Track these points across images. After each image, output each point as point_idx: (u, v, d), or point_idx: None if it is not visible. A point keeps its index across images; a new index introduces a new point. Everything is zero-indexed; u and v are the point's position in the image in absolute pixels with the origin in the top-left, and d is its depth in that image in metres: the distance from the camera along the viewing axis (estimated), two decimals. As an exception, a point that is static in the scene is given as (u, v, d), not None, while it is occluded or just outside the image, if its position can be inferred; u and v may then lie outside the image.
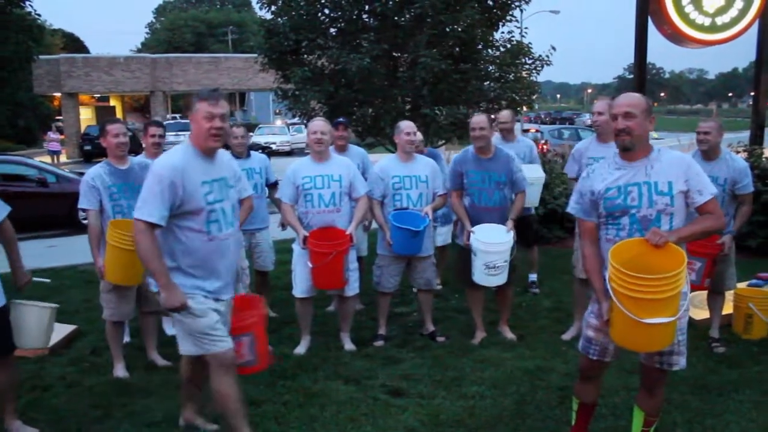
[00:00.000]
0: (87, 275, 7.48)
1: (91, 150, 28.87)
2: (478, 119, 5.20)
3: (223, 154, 3.63)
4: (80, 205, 4.73)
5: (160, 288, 3.32)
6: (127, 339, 5.44)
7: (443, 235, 6.82)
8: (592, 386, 3.52)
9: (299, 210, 5.13)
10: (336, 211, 5.05)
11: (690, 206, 3.16)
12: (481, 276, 5.10)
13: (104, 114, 42.24)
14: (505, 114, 6.73)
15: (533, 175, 6.12)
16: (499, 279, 5.10)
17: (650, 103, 3.24)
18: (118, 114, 45.95)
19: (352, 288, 5.20)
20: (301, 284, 5.17)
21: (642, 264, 2.98)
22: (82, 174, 5.11)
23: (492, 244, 5.00)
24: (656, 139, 34.30)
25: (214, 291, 3.48)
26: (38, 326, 4.49)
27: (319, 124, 5.12)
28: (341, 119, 6.28)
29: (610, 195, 3.19)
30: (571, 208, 3.47)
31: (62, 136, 32.02)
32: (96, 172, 4.73)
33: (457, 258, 5.54)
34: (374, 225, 5.84)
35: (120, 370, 4.83)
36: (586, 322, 3.40)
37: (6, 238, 3.98)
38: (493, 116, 6.10)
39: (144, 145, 5.60)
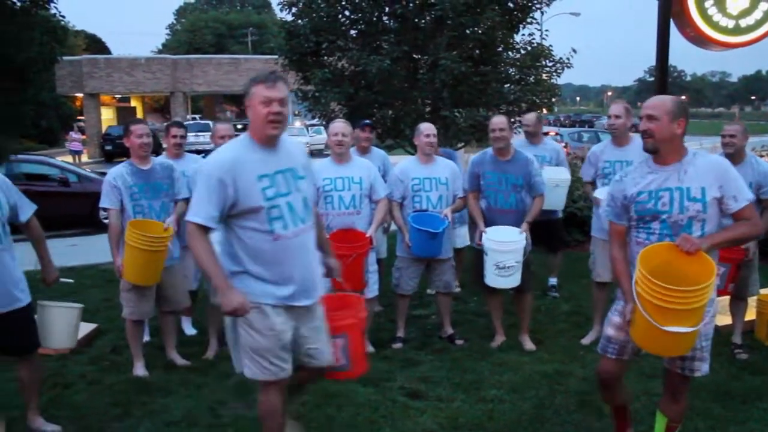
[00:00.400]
0: (107, 274, 7.54)
1: (112, 150, 29.17)
2: (498, 120, 5.18)
3: (291, 142, 3.30)
4: (101, 204, 4.78)
5: (217, 291, 3.02)
6: (146, 338, 5.48)
7: (460, 237, 6.80)
8: (615, 390, 3.48)
9: (319, 212, 5.13)
10: (356, 213, 5.04)
11: (724, 212, 3.11)
12: (492, 277, 5.07)
13: (125, 114, 42.65)
14: (530, 117, 6.70)
15: (558, 176, 6.07)
16: (511, 281, 5.06)
17: (680, 106, 3.17)
18: (139, 114, 46.34)
19: (372, 290, 5.20)
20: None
21: (670, 271, 2.94)
22: (103, 174, 5.17)
23: (503, 243, 4.97)
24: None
25: (286, 297, 3.11)
26: (66, 327, 4.56)
27: (340, 125, 5.12)
28: (367, 121, 6.29)
29: (642, 199, 3.17)
30: (603, 210, 3.46)
31: (84, 136, 32.37)
32: (118, 171, 4.77)
33: (473, 260, 5.53)
34: (393, 227, 5.83)
35: (140, 369, 4.86)
36: (608, 319, 3.38)
37: (34, 236, 4.03)
38: (518, 119, 6.06)
39: (165, 146, 5.64)
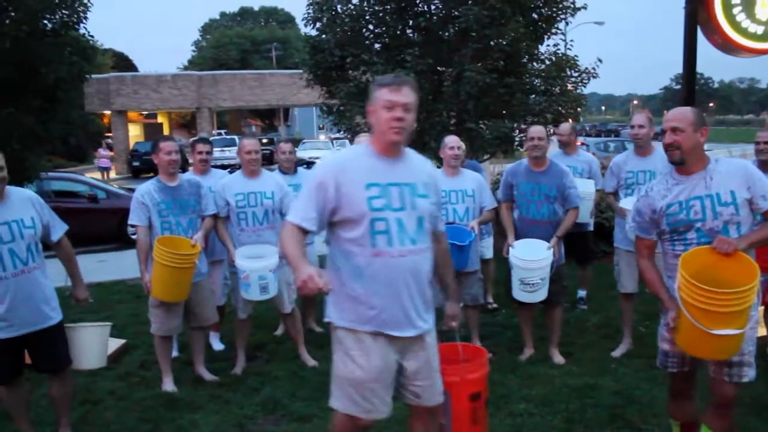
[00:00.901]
0: (136, 290, 7.60)
1: (139, 166, 29.56)
2: (537, 129, 5.16)
3: (420, 158, 3.06)
4: (130, 221, 4.82)
5: (292, 270, 2.80)
6: (175, 353, 5.50)
7: (486, 248, 6.75)
8: (686, 403, 3.45)
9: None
10: None
11: (755, 212, 3.12)
12: (517, 292, 5.03)
13: (152, 131, 43.19)
14: (565, 127, 6.66)
15: (583, 189, 6.02)
16: (537, 296, 5.00)
17: (700, 115, 3.21)
18: (166, 130, 46.90)
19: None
20: None
21: (711, 274, 2.94)
22: (131, 190, 5.22)
23: (528, 261, 4.92)
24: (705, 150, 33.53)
25: (384, 323, 2.82)
26: (97, 346, 4.61)
27: (366, 140, 5.11)
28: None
29: (672, 211, 3.17)
30: (629, 226, 3.47)
31: (112, 153, 32.80)
32: (146, 188, 4.81)
33: (505, 273, 5.49)
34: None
35: (168, 384, 4.88)
36: (660, 335, 3.37)
37: (65, 255, 4.09)
38: (552, 129, 6.01)
39: (191, 162, 5.69)
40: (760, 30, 8.20)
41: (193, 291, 4.83)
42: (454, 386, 3.23)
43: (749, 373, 3.17)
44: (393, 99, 2.78)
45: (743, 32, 8.21)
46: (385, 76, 2.98)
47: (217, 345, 5.92)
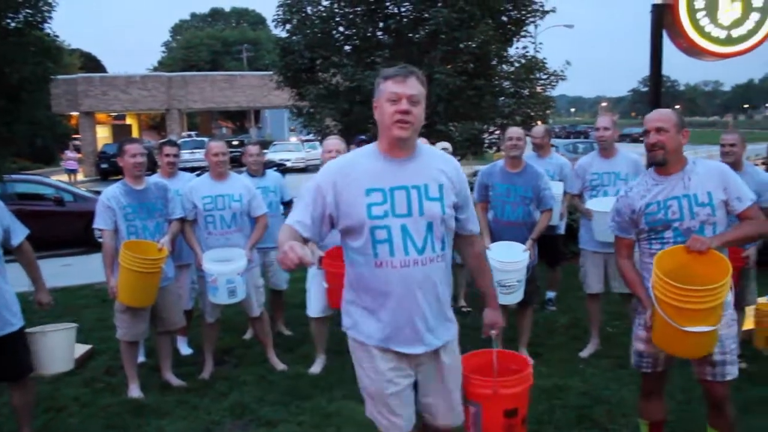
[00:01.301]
0: (102, 294, 7.48)
1: (107, 168, 29.16)
2: (515, 130, 5.18)
3: (436, 155, 2.79)
4: (95, 225, 4.74)
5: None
6: (141, 359, 5.42)
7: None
8: (656, 402, 3.48)
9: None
10: None
11: (730, 213, 3.18)
12: None
13: (121, 132, 42.69)
14: (538, 130, 6.68)
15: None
16: (512, 298, 5.03)
17: (682, 118, 3.28)
18: (135, 132, 46.37)
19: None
20: (315, 304, 5.13)
21: (685, 273, 2.98)
22: (98, 192, 5.14)
23: (506, 263, 4.94)
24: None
25: (388, 339, 2.66)
26: (63, 350, 4.52)
27: (335, 142, 5.09)
28: (362, 136, 6.29)
29: (651, 210, 3.22)
30: (609, 225, 3.49)
31: (79, 155, 32.36)
32: (112, 192, 4.74)
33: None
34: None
35: (134, 391, 4.80)
36: (634, 335, 3.40)
37: (26, 260, 4.01)
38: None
39: (159, 164, 5.62)
40: (722, 34, 8.35)
41: (160, 295, 4.77)
42: (485, 399, 3.00)
43: (732, 371, 3.21)
44: (398, 91, 2.55)
45: (707, 36, 8.35)
46: (390, 67, 2.73)
47: (185, 349, 5.85)
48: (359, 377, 2.78)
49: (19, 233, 3.93)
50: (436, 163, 2.70)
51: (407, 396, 2.73)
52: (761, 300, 5.47)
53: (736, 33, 8.36)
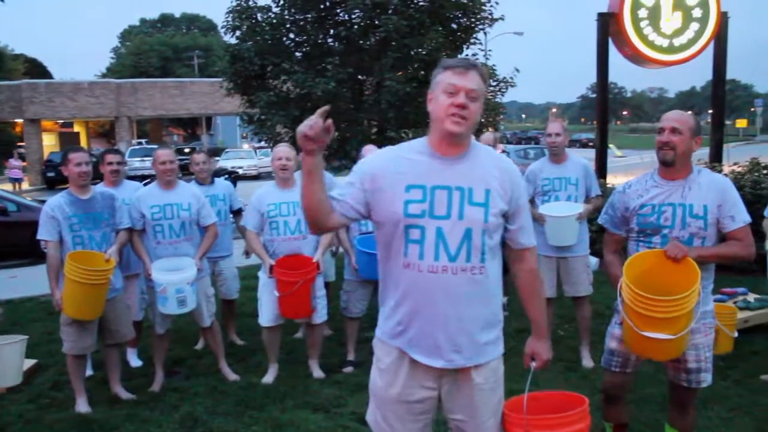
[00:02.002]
0: (48, 307, 7.31)
1: (54, 177, 28.47)
2: (487, 136, 5.19)
3: (491, 155, 2.52)
4: (39, 236, 4.63)
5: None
6: (89, 372, 5.30)
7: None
8: (620, 406, 3.50)
9: (264, 238, 5.07)
10: (302, 238, 5.00)
11: (721, 230, 3.15)
12: None
13: (68, 140, 41.73)
14: (487, 136, 6.74)
15: None
16: None
17: (699, 125, 3.24)
18: (83, 140, 45.40)
19: (320, 315, 5.15)
20: (267, 313, 5.10)
21: (655, 278, 2.98)
22: (44, 202, 5.03)
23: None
24: (620, 156, 34.83)
25: (407, 344, 2.43)
26: (17, 361, 4.40)
27: (284, 149, 5.08)
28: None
29: (645, 212, 3.21)
30: (601, 218, 3.49)
31: (24, 163, 31.54)
32: (56, 202, 4.64)
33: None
34: (341, 250, 5.81)
35: (82, 405, 4.69)
36: (609, 333, 3.40)
37: None
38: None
39: (103, 174, 5.49)
40: (665, 43, 8.61)
41: (108, 307, 4.68)
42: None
43: (707, 378, 3.24)
44: (457, 83, 2.34)
45: (650, 45, 8.59)
46: (451, 58, 2.54)
47: (135, 361, 5.75)
48: (372, 377, 2.60)
49: None
50: (489, 165, 2.45)
51: (418, 409, 2.49)
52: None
53: (677, 42, 8.63)
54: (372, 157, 2.51)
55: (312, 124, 2.18)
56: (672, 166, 3.17)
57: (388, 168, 2.41)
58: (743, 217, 3.13)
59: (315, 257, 4.97)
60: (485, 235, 2.39)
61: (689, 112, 3.35)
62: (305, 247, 5.00)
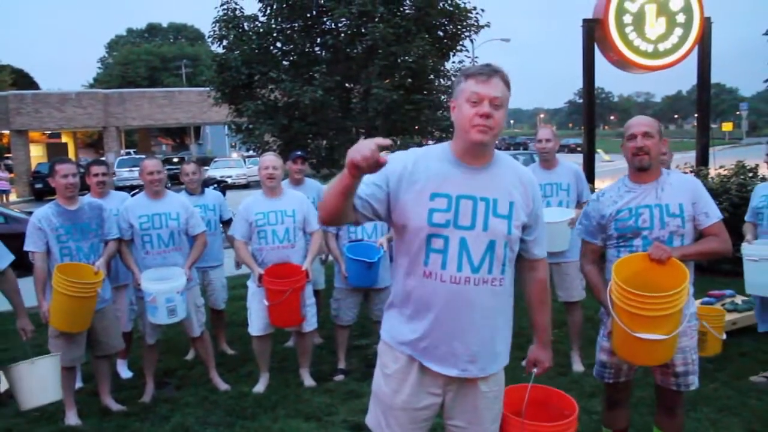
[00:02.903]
0: (36, 318, 7.24)
1: (42, 188, 28.35)
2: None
3: (513, 165, 2.50)
4: (26, 248, 4.61)
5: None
6: (79, 384, 5.28)
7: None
8: (621, 412, 3.51)
9: (253, 247, 5.07)
10: (290, 247, 5.00)
11: (697, 227, 3.20)
12: None
13: (56, 151, 41.56)
14: None
15: None
16: None
17: (662, 127, 3.31)
18: (71, 150, 45.21)
19: (310, 323, 5.15)
20: (257, 322, 5.09)
21: (645, 280, 3.00)
22: (32, 213, 5.01)
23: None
24: (607, 161, 34.97)
25: (421, 352, 2.41)
26: (56, 376, 4.36)
27: (271, 158, 5.09)
28: (299, 153, 6.27)
29: (622, 216, 3.23)
30: (576, 229, 3.51)
31: (11, 175, 31.39)
32: (43, 213, 4.62)
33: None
34: (331, 258, 5.81)
35: (72, 418, 4.66)
36: (599, 345, 3.41)
37: (9, 287, 3.90)
38: None
39: (90, 185, 5.46)
40: (650, 48, 8.68)
41: (97, 319, 4.66)
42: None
43: (694, 381, 3.27)
44: (480, 91, 2.30)
45: (635, 50, 8.66)
46: (474, 65, 2.48)
47: (125, 373, 5.72)
48: (375, 383, 2.55)
49: (4, 259, 3.82)
50: (512, 176, 2.45)
51: (422, 416, 2.48)
52: (696, 303, 5.64)
53: (662, 47, 8.71)
54: (398, 157, 2.41)
55: (368, 155, 2.00)
56: (648, 169, 3.21)
57: (414, 173, 2.36)
58: (717, 213, 3.21)
59: (304, 265, 4.98)
60: (507, 247, 2.40)
61: (651, 117, 3.40)
62: (294, 256, 5.00)
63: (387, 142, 2.04)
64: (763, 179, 7.92)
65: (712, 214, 3.19)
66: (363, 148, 2.01)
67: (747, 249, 4.84)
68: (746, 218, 5.14)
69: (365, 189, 2.31)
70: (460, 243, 2.32)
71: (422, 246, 2.34)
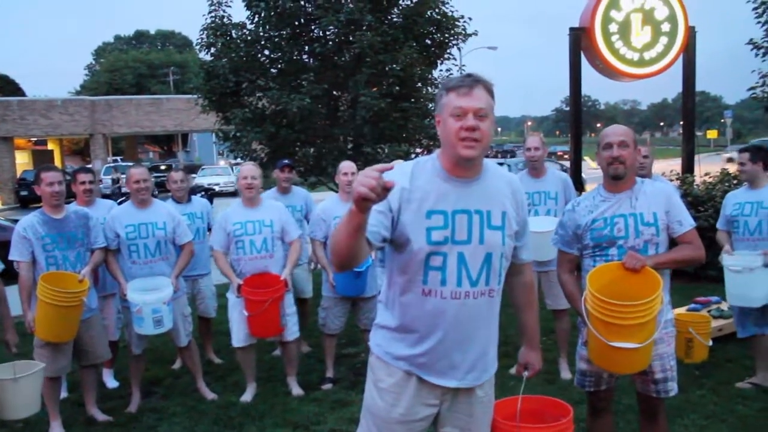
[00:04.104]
0: (22, 328, 7.18)
1: (27, 196, 28.19)
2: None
3: (500, 175, 2.47)
4: (10, 257, 4.57)
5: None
6: (64, 394, 5.24)
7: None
8: (604, 420, 3.51)
9: (231, 257, 5.04)
10: (269, 257, 4.99)
11: (670, 236, 3.23)
12: None
13: (42, 158, 41.28)
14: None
15: None
16: None
17: (636, 136, 3.34)
18: (57, 158, 44.89)
19: (292, 332, 5.13)
20: (238, 333, 5.06)
21: (619, 289, 3.01)
22: (17, 221, 4.98)
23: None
24: (595, 168, 35.18)
25: (420, 367, 2.39)
26: (36, 392, 4.30)
27: (249, 168, 5.09)
28: (286, 161, 6.26)
29: (597, 226, 3.24)
30: (553, 238, 3.52)
31: (-4, 182, 31.14)
32: (29, 222, 4.58)
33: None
34: (318, 266, 5.80)
35: (56, 429, 4.61)
36: (578, 354, 3.43)
37: None
38: None
39: (76, 193, 5.42)
40: (635, 56, 8.75)
41: (84, 328, 4.62)
42: None
43: (673, 387, 3.29)
44: (463, 105, 2.26)
45: (621, 58, 8.73)
46: (454, 76, 2.45)
47: (111, 382, 5.68)
48: (367, 396, 2.51)
49: None
50: (502, 186, 2.43)
51: (418, 428, 2.45)
52: (677, 310, 5.68)
53: (647, 55, 8.78)
54: (396, 175, 2.24)
55: (374, 184, 1.93)
56: (623, 178, 3.24)
57: (411, 191, 2.31)
58: (690, 221, 3.24)
59: (283, 275, 4.96)
60: (503, 258, 2.40)
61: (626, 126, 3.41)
62: (272, 266, 4.99)
63: (389, 166, 2.01)
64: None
65: (686, 222, 3.21)
66: (366, 179, 1.94)
67: (728, 260, 4.83)
68: (718, 226, 5.12)
69: (372, 219, 2.21)
70: (458, 258, 2.31)
71: (421, 265, 2.31)
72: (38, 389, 4.29)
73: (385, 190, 1.95)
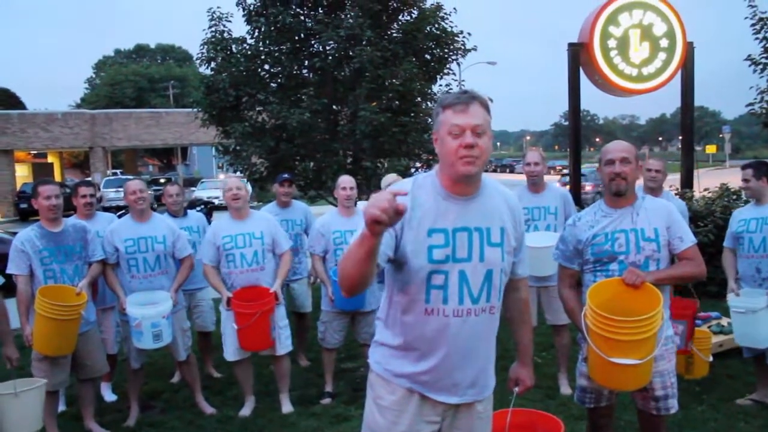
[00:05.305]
0: (19, 341, 7.15)
1: (26, 209, 28.15)
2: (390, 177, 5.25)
3: (499, 191, 2.48)
4: (8, 271, 4.56)
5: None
6: (62, 407, 5.21)
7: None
8: None
9: (222, 271, 5.02)
10: (260, 270, 4.98)
11: (671, 252, 3.23)
12: None
13: (41, 171, 41.32)
14: (390, 177, 6.75)
15: None
16: None
17: (638, 151, 3.35)
18: (57, 171, 44.94)
19: (284, 346, 5.10)
20: (231, 347, 5.04)
21: (619, 305, 3.01)
22: (16, 234, 4.98)
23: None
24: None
25: (421, 385, 2.38)
26: (38, 407, 4.27)
27: (234, 181, 5.11)
28: (286, 175, 6.27)
29: (598, 241, 3.25)
30: (554, 254, 3.52)
31: (-4, 195, 31.12)
32: (27, 235, 4.58)
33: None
34: (318, 280, 5.79)
35: (54, 443, 4.60)
36: (578, 370, 3.43)
37: None
38: None
39: (76, 206, 5.42)
40: (634, 72, 8.78)
41: (82, 342, 4.61)
42: None
43: (674, 404, 3.29)
44: (460, 122, 2.25)
45: (620, 74, 8.76)
46: (450, 93, 2.47)
47: (109, 396, 5.66)
48: (367, 413, 2.49)
49: None
50: (500, 202, 2.43)
51: None
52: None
53: (646, 71, 8.81)
54: (410, 180, 2.42)
55: (386, 207, 1.91)
56: (624, 194, 3.25)
57: (412, 209, 2.29)
58: (690, 237, 3.25)
59: (273, 287, 4.95)
60: (503, 274, 2.41)
61: (627, 143, 3.42)
62: (263, 278, 4.98)
63: (402, 191, 2.05)
64: (747, 202, 7.98)
65: (686, 238, 3.22)
66: (379, 202, 1.92)
67: (733, 301, 4.79)
68: (725, 244, 5.11)
69: (386, 250, 2.25)
70: (459, 276, 2.31)
71: (423, 283, 2.30)
72: (40, 405, 4.27)
73: (397, 213, 1.94)
